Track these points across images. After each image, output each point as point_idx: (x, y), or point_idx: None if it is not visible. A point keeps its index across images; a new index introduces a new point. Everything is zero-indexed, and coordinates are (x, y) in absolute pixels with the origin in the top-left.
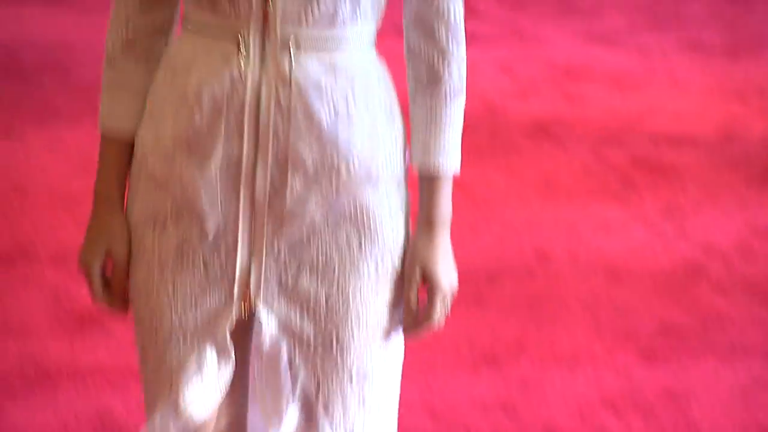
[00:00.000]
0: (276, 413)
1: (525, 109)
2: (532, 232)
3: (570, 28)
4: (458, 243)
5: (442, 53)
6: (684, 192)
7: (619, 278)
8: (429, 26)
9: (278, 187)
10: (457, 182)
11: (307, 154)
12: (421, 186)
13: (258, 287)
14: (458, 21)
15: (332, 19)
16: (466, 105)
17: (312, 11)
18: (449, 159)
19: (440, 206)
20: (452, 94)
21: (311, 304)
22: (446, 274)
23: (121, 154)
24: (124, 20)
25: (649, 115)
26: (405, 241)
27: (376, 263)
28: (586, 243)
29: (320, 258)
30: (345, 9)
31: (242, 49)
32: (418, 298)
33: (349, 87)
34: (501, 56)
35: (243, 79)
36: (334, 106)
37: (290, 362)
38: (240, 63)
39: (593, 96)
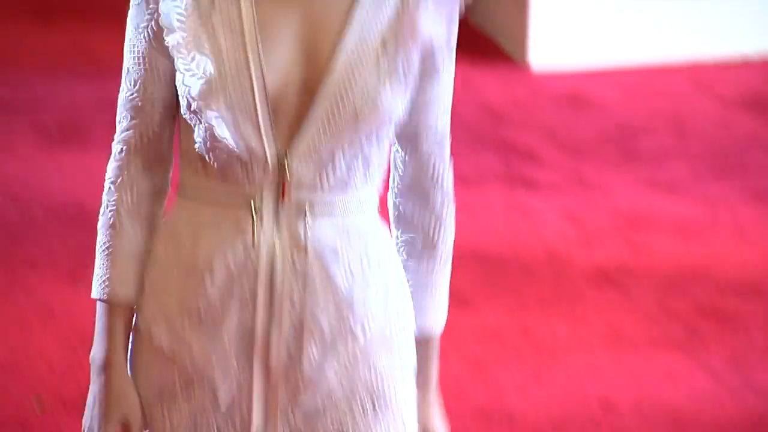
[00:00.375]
0: None
1: (589, 257)
2: (596, 381)
3: (633, 175)
4: (522, 392)
5: (438, 220)
6: (750, 342)
7: (685, 429)
8: (425, 194)
9: (294, 355)
10: (521, 330)
11: (324, 319)
12: (416, 348)
13: None
14: (451, 188)
15: (345, 185)
16: (529, 251)
17: (327, 177)
18: (442, 318)
19: (435, 365)
20: (445, 258)
21: None
22: (444, 429)
23: (126, 321)
24: (128, 184)
25: (714, 264)
26: (412, 400)
27: (388, 427)
28: (651, 393)
29: (334, 426)
30: (358, 173)
31: (255, 216)
32: None
33: (363, 250)
34: (563, 204)
35: (257, 246)
36: (350, 269)
37: None
38: (253, 230)
39: (658, 244)
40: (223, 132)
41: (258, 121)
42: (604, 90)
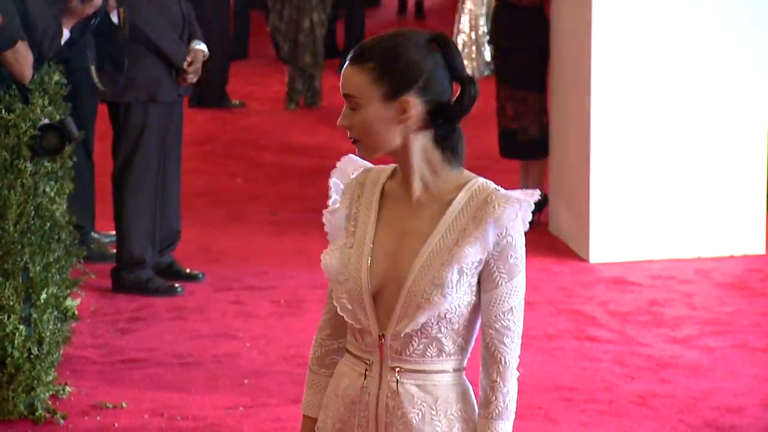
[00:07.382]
0: None
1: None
2: None
3: (660, 333)
4: None
5: (492, 386)
6: None
7: None
8: (487, 366)
9: None
10: None
11: None
12: None
13: None
14: (509, 365)
15: (422, 357)
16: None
17: (409, 352)
18: None
19: None
20: (496, 415)
21: None
22: None
23: (311, 428)
24: (319, 343)
25: None
26: None
27: None
28: None
29: None
30: (432, 351)
31: (368, 371)
32: None
33: (433, 401)
34: (615, 351)
35: (368, 390)
36: (421, 412)
37: None
38: (365, 379)
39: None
40: (344, 313)
41: (366, 309)
42: (640, 276)
